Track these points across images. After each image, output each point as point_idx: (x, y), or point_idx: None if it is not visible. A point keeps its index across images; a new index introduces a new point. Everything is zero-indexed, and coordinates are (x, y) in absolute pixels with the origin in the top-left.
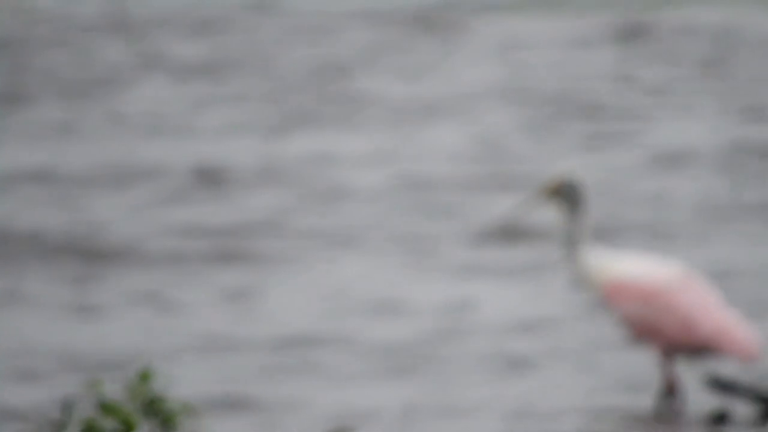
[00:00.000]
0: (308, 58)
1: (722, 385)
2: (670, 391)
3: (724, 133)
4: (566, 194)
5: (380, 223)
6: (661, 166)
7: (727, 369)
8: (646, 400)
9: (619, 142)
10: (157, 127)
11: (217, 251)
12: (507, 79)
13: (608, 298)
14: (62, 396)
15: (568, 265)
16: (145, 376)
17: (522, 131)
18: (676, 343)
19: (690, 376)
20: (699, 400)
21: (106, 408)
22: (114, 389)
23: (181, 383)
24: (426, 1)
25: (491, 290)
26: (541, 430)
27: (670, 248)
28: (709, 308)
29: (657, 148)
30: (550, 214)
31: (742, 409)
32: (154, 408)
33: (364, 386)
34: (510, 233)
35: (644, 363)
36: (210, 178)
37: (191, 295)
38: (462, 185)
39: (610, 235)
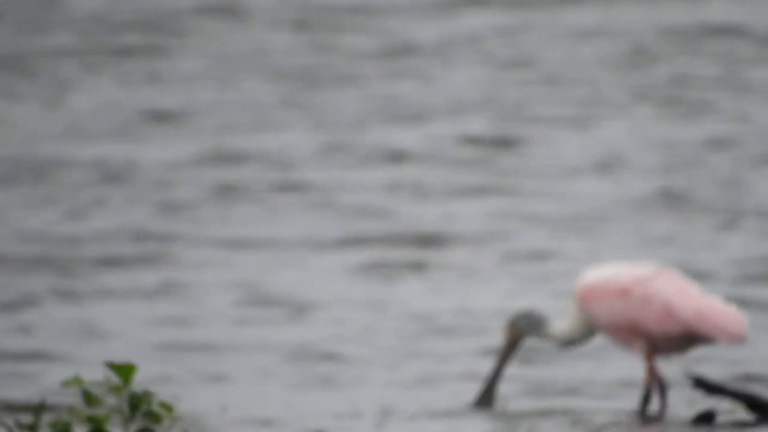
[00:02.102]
0: None
1: (707, 385)
2: (660, 390)
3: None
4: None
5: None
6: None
7: (712, 371)
8: (631, 401)
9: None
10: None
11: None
12: None
13: (583, 303)
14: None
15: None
16: (127, 372)
17: None
18: (659, 335)
19: (675, 375)
20: (685, 399)
21: (90, 398)
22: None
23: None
24: None
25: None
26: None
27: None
28: (686, 294)
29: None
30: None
31: (728, 408)
32: (138, 404)
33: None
34: None
35: (630, 364)
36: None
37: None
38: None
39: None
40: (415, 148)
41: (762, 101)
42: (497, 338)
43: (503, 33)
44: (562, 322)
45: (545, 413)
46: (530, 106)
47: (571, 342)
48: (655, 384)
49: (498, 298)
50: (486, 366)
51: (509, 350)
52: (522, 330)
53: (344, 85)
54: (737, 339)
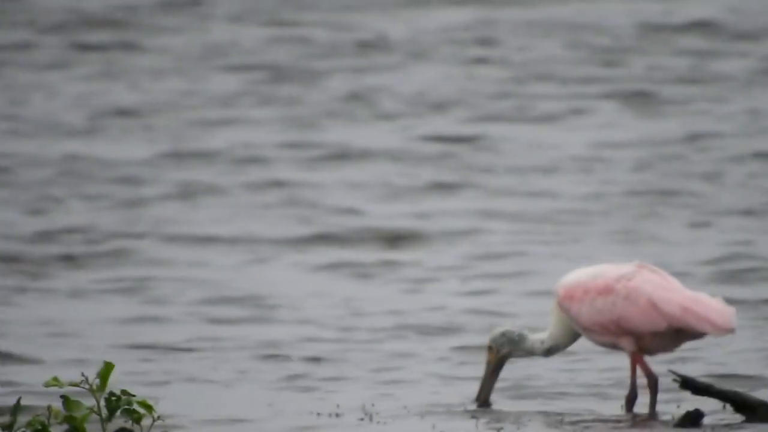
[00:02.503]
0: None
1: (694, 385)
2: (652, 386)
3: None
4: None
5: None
6: None
7: (692, 370)
8: (618, 402)
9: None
10: None
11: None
12: None
13: (565, 305)
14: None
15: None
16: (105, 372)
17: None
18: (646, 331)
19: (661, 376)
20: (672, 400)
21: (70, 404)
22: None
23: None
24: None
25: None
26: None
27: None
28: (670, 289)
29: None
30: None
31: (715, 408)
32: (116, 404)
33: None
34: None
35: (616, 366)
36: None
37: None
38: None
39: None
40: (385, 145)
41: (735, 96)
42: (471, 337)
43: (475, 29)
44: (541, 333)
45: (530, 413)
46: (502, 102)
47: (554, 348)
48: (649, 379)
49: (471, 296)
50: (462, 366)
51: (493, 371)
52: (501, 350)
53: (312, 81)
54: (725, 331)
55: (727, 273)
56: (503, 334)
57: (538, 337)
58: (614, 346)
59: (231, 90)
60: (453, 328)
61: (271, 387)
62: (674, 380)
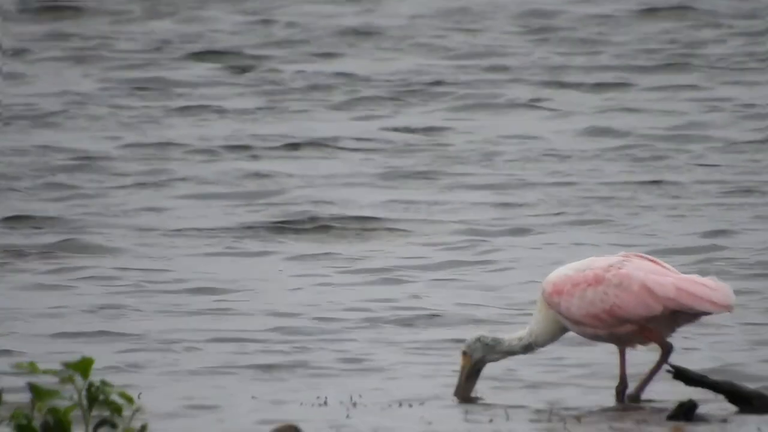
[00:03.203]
0: None
1: (688, 376)
2: (665, 355)
3: None
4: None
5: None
6: None
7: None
8: (609, 392)
9: None
10: None
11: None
12: None
13: (553, 300)
14: None
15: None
16: (85, 366)
17: None
18: (641, 318)
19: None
20: (666, 391)
21: (38, 392)
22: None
23: None
24: None
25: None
26: (506, 427)
27: None
28: (662, 272)
29: None
30: None
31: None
32: (96, 395)
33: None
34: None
35: (606, 356)
36: None
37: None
38: None
39: None
40: (349, 135)
41: (713, 84)
42: (449, 329)
43: (442, 19)
44: (519, 331)
45: (519, 404)
46: (471, 91)
47: (534, 345)
48: (665, 349)
49: (444, 287)
50: (443, 357)
51: (468, 376)
52: (474, 355)
53: (277, 68)
54: (725, 308)
55: (705, 262)
56: (478, 340)
57: (516, 335)
58: (604, 339)
59: (192, 77)
60: (430, 318)
61: (251, 378)
62: (668, 371)
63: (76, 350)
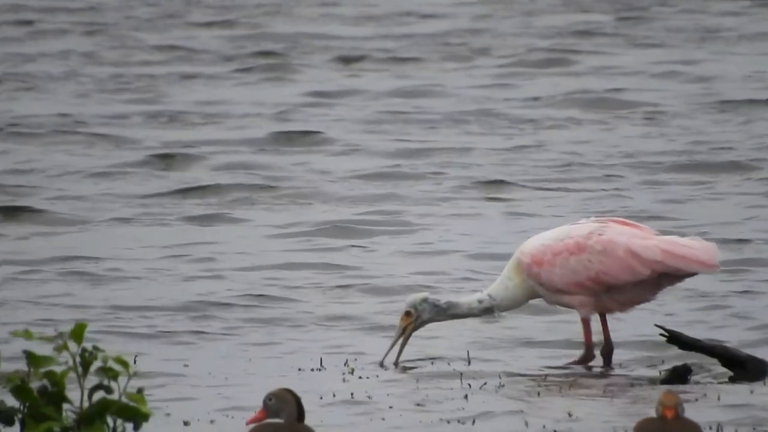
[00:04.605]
0: None
1: (681, 340)
2: (606, 353)
3: None
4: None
5: None
6: None
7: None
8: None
9: None
10: None
11: None
12: None
13: (534, 271)
14: None
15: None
16: (78, 332)
17: None
18: (628, 282)
19: (650, 331)
20: (657, 354)
21: (35, 360)
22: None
23: None
24: None
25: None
26: (494, 397)
27: None
28: (644, 235)
29: None
30: None
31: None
32: (90, 360)
33: None
34: None
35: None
36: None
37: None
38: None
39: None
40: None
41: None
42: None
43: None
44: (476, 293)
45: (513, 370)
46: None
47: (494, 308)
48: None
49: (417, 257)
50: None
51: (408, 336)
52: (422, 316)
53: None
54: (712, 267)
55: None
56: (424, 300)
57: (474, 298)
58: (580, 307)
59: (156, 70)
60: (406, 288)
61: (245, 344)
62: (661, 335)
63: (63, 317)
